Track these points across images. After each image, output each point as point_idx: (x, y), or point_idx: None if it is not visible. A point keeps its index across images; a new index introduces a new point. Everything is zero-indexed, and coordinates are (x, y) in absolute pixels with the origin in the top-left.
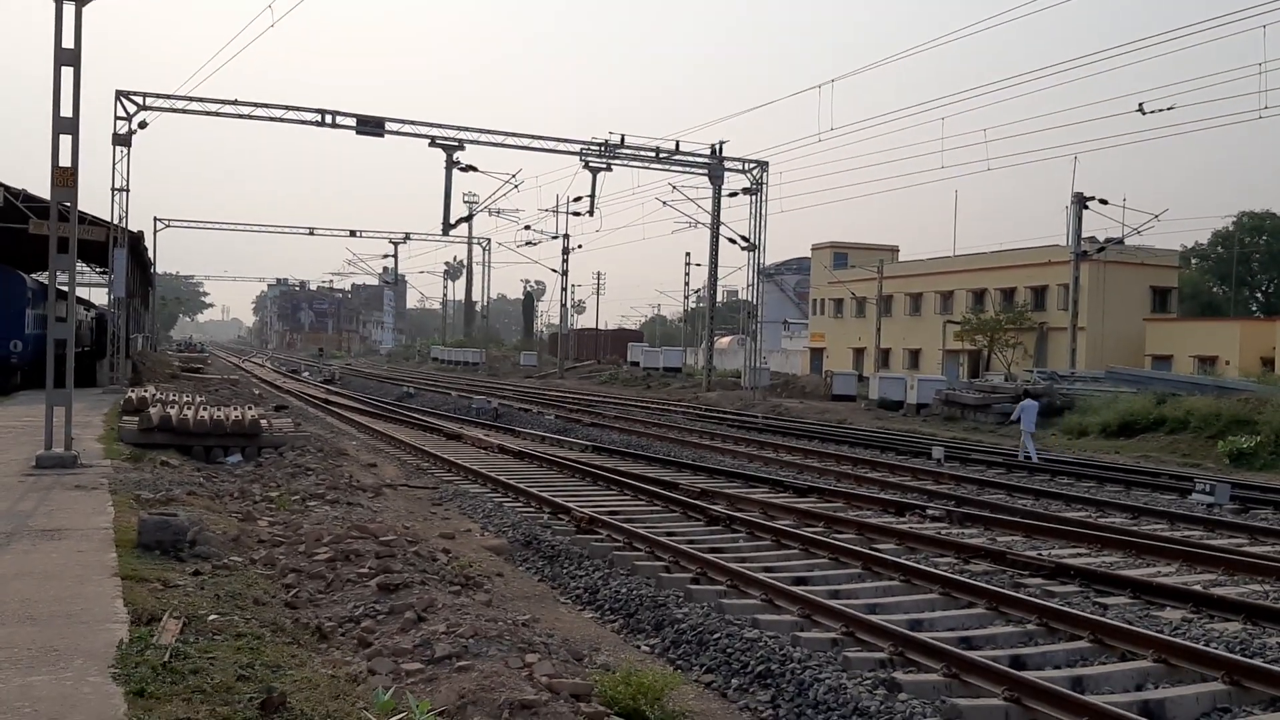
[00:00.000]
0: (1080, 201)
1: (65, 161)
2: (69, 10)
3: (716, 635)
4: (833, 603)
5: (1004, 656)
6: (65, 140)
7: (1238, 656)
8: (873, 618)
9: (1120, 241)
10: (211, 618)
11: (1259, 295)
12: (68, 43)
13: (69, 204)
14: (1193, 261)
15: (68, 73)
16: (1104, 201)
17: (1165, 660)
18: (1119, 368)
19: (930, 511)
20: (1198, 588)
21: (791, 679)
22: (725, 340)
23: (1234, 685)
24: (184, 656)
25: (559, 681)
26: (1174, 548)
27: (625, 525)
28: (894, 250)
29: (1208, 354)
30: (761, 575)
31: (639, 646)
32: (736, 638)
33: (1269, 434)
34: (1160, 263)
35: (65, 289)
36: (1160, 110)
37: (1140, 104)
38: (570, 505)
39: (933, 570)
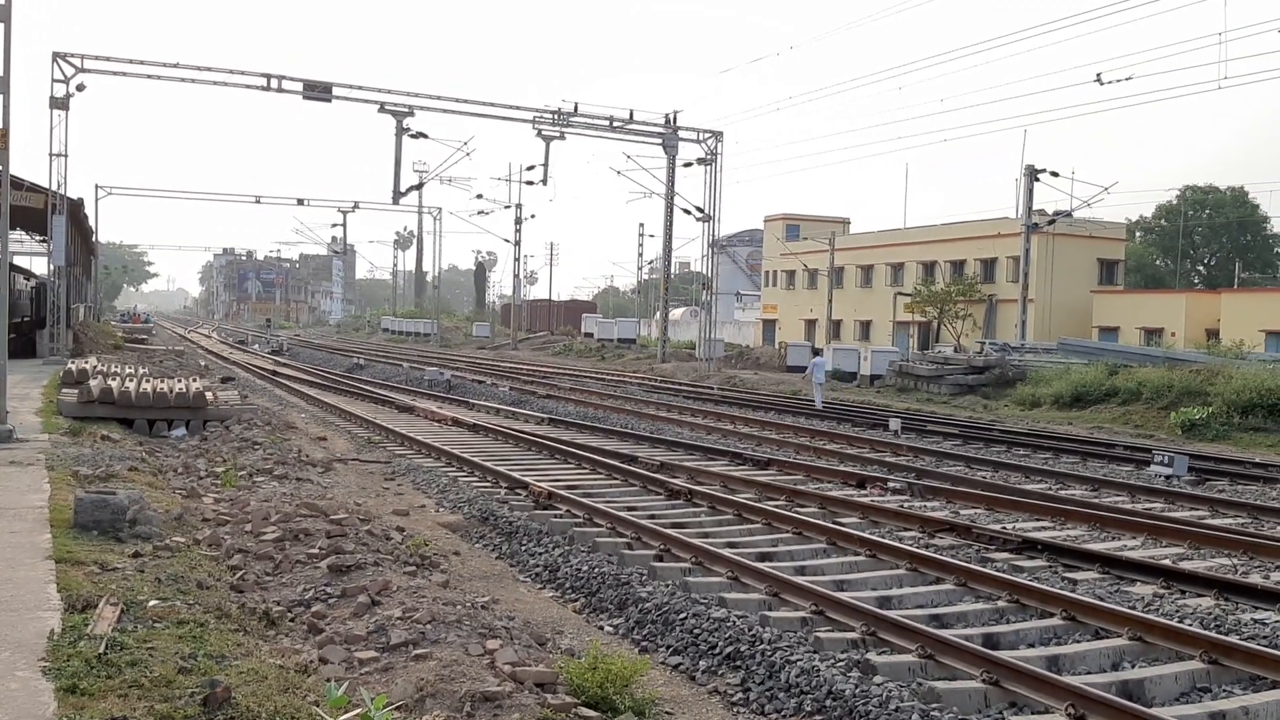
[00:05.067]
0: (1031, 174)
1: None
2: None
3: (682, 615)
4: (800, 580)
5: (977, 635)
6: None
7: (1214, 634)
8: (842, 595)
9: (1069, 214)
10: (152, 604)
11: (1201, 268)
12: None
13: (1, 167)
14: (1137, 235)
15: None
16: (1055, 174)
17: (1141, 638)
18: (1070, 339)
19: (892, 484)
20: (1167, 562)
21: (762, 660)
22: (678, 312)
23: (1212, 664)
24: (121, 647)
25: (523, 670)
26: (1139, 520)
27: (585, 500)
28: (845, 222)
29: (1154, 325)
30: (726, 551)
31: (602, 627)
32: (703, 617)
33: (1220, 405)
34: (1107, 235)
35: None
36: (1118, 81)
37: (1098, 74)
38: (528, 480)
39: (899, 545)
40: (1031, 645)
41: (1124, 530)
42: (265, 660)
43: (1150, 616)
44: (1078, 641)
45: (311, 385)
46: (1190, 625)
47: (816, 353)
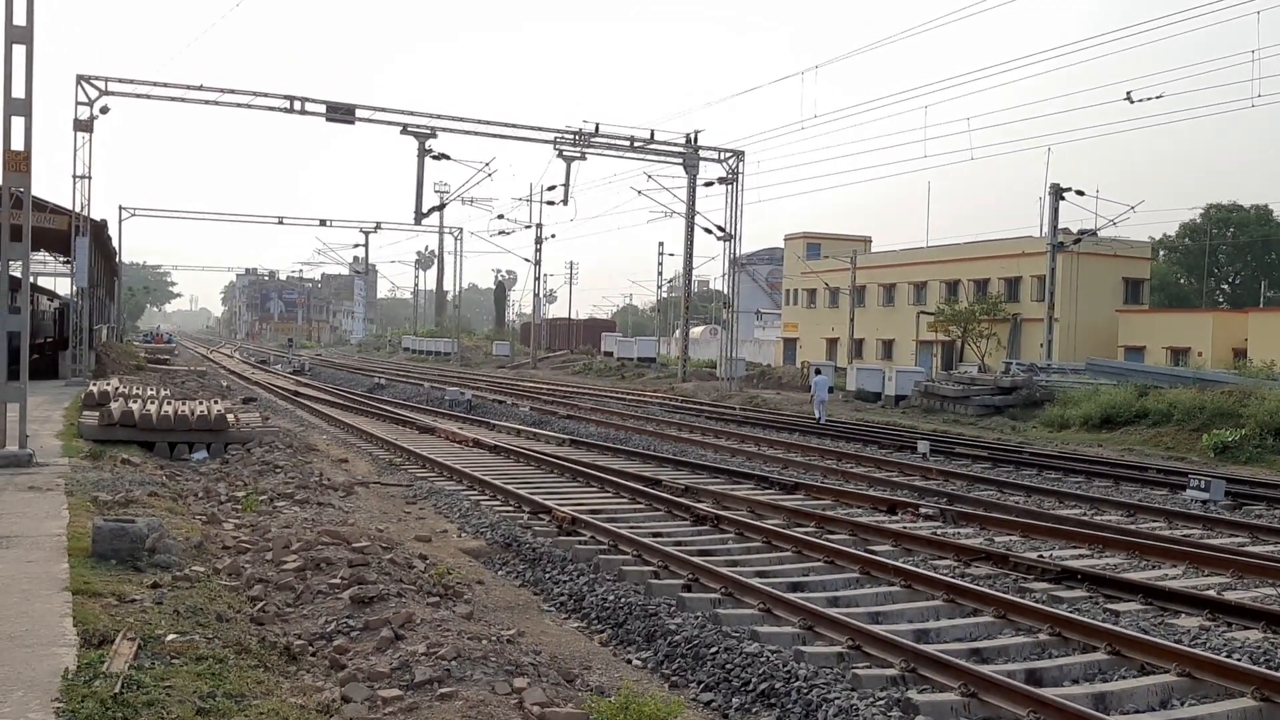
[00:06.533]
0: (1057, 193)
1: (18, 145)
2: None
3: (713, 648)
4: (834, 612)
5: (1019, 671)
6: (18, 123)
7: (1266, 670)
8: (878, 629)
9: (1094, 233)
10: (170, 638)
11: (1225, 287)
12: (19, 19)
13: (23, 189)
14: (1160, 253)
15: (19, 51)
16: (1080, 193)
17: (1190, 674)
18: (1098, 359)
19: (924, 510)
20: (1211, 593)
21: (798, 699)
22: (698, 330)
23: (1264, 701)
24: (137, 686)
25: (552, 711)
26: (1179, 549)
27: (609, 526)
28: (866, 241)
29: (1180, 345)
30: (756, 581)
31: (630, 660)
32: (735, 651)
33: (1253, 427)
34: (1132, 254)
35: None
36: (1148, 99)
37: (1128, 92)
38: (550, 504)
39: (934, 575)
40: (1076, 681)
41: (1164, 558)
42: (286, 699)
43: (1199, 652)
44: (1124, 678)
45: (333, 406)
46: (1240, 661)
47: (818, 371)
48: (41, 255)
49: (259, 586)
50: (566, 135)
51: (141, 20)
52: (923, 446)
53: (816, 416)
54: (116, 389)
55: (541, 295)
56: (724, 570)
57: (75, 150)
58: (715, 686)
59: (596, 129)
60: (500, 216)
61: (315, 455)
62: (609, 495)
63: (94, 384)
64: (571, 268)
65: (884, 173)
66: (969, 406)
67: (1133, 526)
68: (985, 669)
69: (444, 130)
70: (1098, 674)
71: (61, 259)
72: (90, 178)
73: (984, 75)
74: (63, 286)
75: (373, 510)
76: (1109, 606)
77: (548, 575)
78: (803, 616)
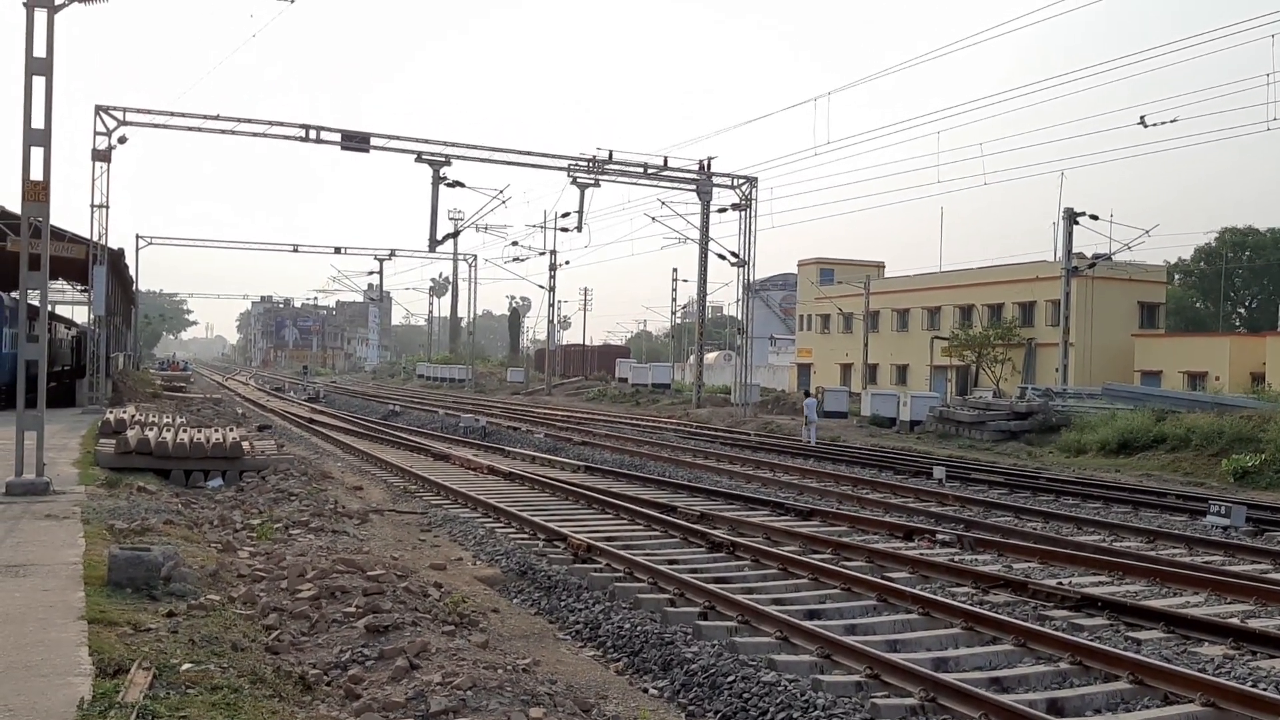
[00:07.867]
0: (1071, 217)
1: (37, 175)
2: (40, 17)
3: (730, 677)
4: (852, 640)
5: (1040, 700)
6: (37, 153)
7: None
8: (896, 658)
9: (1109, 257)
10: (185, 667)
11: (1241, 311)
12: (39, 51)
13: (42, 219)
14: (1175, 278)
15: (39, 82)
16: (1094, 217)
17: (1214, 704)
18: (1115, 384)
19: (940, 536)
20: (1235, 621)
21: None
22: (712, 355)
23: None
24: (152, 716)
25: None
26: (1201, 576)
27: (624, 553)
28: (880, 266)
29: (1197, 369)
30: (773, 609)
31: (646, 690)
32: (753, 680)
33: (1273, 452)
34: (1148, 278)
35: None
36: (1163, 123)
37: (1142, 117)
38: (565, 531)
39: (952, 602)
40: (1098, 711)
41: (1185, 586)
42: None
43: (1224, 681)
44: (1147, 707)
45: (347, 433)
46: (1266, 690)
47: (809, 394)
48: (59, 284)
49: (274, 615)
50: (580, 162)
51: (159, 51)
52: (938, 472)
53: (806, 439)
54: (133, 417)
55: (556, 321)
56: (740, 598)
57: (93, 180)
58: (732, 716)
59: (610, 156)
60: (514, 243)
61: (330, 483)
62: (624, 522)
63: (110, 412)
64: (586, 294)
65: (897, 198)
66: (984, 432)
67: (1153, 553)
68: (1006, 698)
69: (458, 158)
70: (1120, 704)
71: (79, 287)
72: (108, 207)
73: (997, 100)
74: (80, 315)
75: (387, 538)
76: (1130, 635)
77: (563, 603)
78: (820, 645)
